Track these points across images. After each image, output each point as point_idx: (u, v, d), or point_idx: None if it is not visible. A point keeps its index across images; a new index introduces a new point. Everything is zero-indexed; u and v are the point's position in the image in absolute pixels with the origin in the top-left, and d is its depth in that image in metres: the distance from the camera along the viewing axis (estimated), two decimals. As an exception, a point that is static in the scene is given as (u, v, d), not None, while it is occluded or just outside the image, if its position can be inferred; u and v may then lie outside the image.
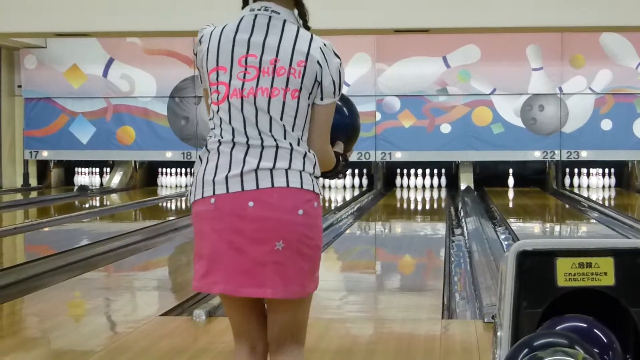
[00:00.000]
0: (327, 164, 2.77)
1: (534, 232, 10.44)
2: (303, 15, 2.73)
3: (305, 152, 2.65)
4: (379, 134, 15.67)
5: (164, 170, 16.68)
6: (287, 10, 2.68)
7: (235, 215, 2.60)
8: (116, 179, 16.48)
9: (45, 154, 16.46)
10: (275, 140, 2.62)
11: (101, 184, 16.65)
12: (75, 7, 9.30)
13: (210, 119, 2.71)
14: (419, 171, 16.06)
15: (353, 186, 15.97)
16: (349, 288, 6.78)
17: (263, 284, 2.61)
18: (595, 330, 2.12)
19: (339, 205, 13.08)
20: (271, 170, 2.61)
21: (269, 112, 2.62)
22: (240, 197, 2.60)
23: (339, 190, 15.53)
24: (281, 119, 2.62)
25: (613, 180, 15.89)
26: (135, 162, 16.59)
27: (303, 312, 2.73)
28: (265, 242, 2.59)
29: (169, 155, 16.21)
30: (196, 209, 2.67)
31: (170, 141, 16.17)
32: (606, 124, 15.57)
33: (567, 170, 15.95)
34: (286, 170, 2.61)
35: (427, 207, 14.07)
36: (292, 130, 2.63)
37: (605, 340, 2.10)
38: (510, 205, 13.89)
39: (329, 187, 15.78)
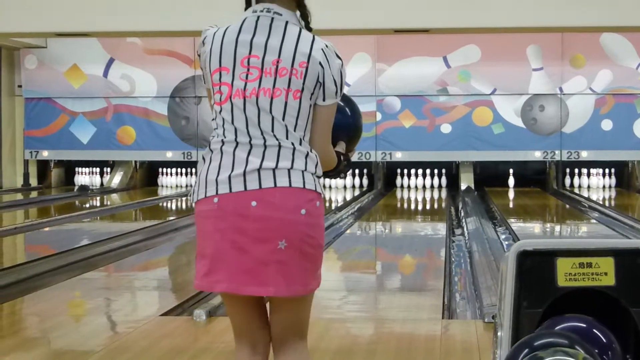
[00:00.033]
0: (328, 164, 2.79)
1: (534, 232, 10.44)
2: (305, 16, 2.75)
3: (307, 152, 2.67)
4: (379, 134, 15.67)
5: (165, 170, 16.68)
6: (289, 12, 2.70)
7: (238, 215, 2.61)
8: (116, 179, 16.48)
9: (45, 154, 16.47)
10: (277, 140, 2.64)
11: (101, 184, 16.66)
12: (76, 7, 9.31)
13: (213, 119, 2.73)
14: (420, 171, 16.06)
15: (353, 186, 15.97)
16: (349, 288, 6.78)
17: (266, 282, 2.62)
18: (595, 330, 2.12)
19: (339, 205, 13.08)
20: (274, 170, 2.62)
21: (271, 112, 2.64)
22: (243, 197, 2.62)
23: (340, 190, 15.53)
24: (283, 119, 2.64)
25: (613, 180, 15.89)
26: (135, 162, 16.60)
27: (305, 309, 2.76)
28: (268, 242, 2.61)
29: (169, 155, 16.21)
30: (199, 208, 2.70)
31: (170, 141, 16.17)
32: (606, 124, 15.57)
33: (568, 170, 15.95)
34: (289, 170, 2.63)
35: (428, 207, 14.07)
36: (294, 131, 2.65)
37: (604, 340, 2.10)
38: (511, 205, 13.89)
39: (330, 187, 15.78)
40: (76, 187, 16.19)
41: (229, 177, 2.63)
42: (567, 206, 13.49)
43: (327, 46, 2.69)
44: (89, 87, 16.29)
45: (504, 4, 8.93)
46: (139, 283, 7.13)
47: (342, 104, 2.88)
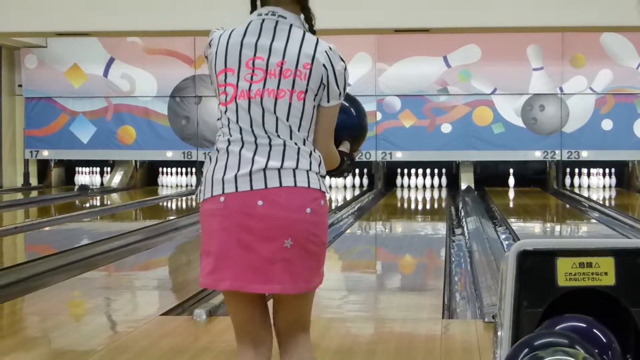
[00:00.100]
0: (331, 163, 2.84)
1: (534, 232, 10.44)
2: (309, 19, 2.79)
3: (311, 152, 2.72)
4: (379, 133, 15.67)
5: (165, 169, 16.67)
6: (293, 15, 2.75)
7: (244, 214, 2.66)
8: (117, 179, 16.48)
9: (45, 154, 16.46)
10: (282, 140, 2.69)
11: (102, 184, 16.65)
12: (76, 6, 9.31)
13: (218, 119, 2.77)
14: (420, 171, 16.05)
15: (354, 186, 15.97)
16: (349, 287, 6.78)
17: (271, 280, 2.67)
18: (595, 330, 2.12)
19: (339, 204, 13.08)
20: (279, 169, 2.67)
21: (275, 112, 2.69)
22: (250, 196, 2.66)
23: (340, 190, 15.53)
24: (287, 120, 2.69)
25: (613, 180, 15.88)
26: (135, 161, 16.60)
27: (308, 304, 2.82)
28: (274, 240, 2.65)
29: (169, 154, 16.21)
30: (205, 207, 2.73)
31: (170, 141, 16.17)
32: (607, 124, 15.57)
33: (568, 170, 15.94)
34: (293, 170, 2.68)
35: (428, 206, 14.07)
36: (298, 131, 2.70)
37: (605, 340, 2.10)
38: (511, 205, 13.89)
39: (330, 186, 15.78)
40: (76, 187, 16.18)
41: (235, 176, 2.67)
42: (567, 206, 13.49)
43: (330, 49, 2.73)
44: (89, 87, 16.29)
45: (504, 4, 8.93)
46: (139, 283, 7.13)
47: (347, 104, 2.93)
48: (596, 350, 2.03)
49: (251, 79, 2.70)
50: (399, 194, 15.53)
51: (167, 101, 16.22)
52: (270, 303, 2.89)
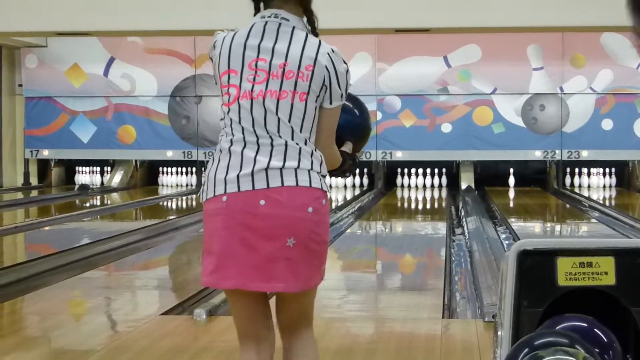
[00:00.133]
0: (333, 163, 2.88)
1: (534, 232, 10.44)
2: (312, 22, 2.82)
3: (312, 152, 2.75)
4: (379, 133, 15.66)
5: (165, 169, 16.67)
6: (296, 18, 2.78)
7: (247, 213, 2.69)
8: (117, 178, 16.48)
9: (45, 153, 16.47)
10: (283, 140, 2.72)
11: (102, 183, 16.65)
12: (76, 6, 9.31)
13: (221, 120, 2.80)
14: (420, 170, 16.05)
15: (354, 185, 15.97)
16: (349, 287, 6.78)
17: (274, 278, 2.70)
18: (595, 329, 2.12)
19: (339, 204, 13.08)
20: (281, 169, 2.70)
21: (277, 113, 2.72)
22: (252, 196, 2.69)
23: (340, 190, 15.53)
24: (289, 121, 2.72)
25: (614, 180, 15.88)
26: (135, 161, 16.60)
27: (310, 300, 2.87)
28: (276, 239, 2.69)
29: (169, 154, 16.21)
30: (208, 206, 2.76)
31: (171, 140, 16.17)
32: (607, 124, 15.57)
33: (568, 169, 15.94)
34: (295, 170, 2.71)
35: (428, 206, 14.08)
36: (300, 132, 2.73)
37: (605, 339, 2.10)
38: (511, 204, 13.89)
39: (330, 186, 15.73)
40: (76, 186, 16.18)
41: (238, 176, 2.70)
42: (568, 206, 13.49)
43: (333, 51, 2.77)
44: (90, 86, 16.29)
45: (504, 4, 8.93)
46: (139, 282, 7.14)
47: (350, 104, 2.97)
48: (597, 350, 2.03)
49: (254, 80, 2.73)
50: (399, 193, 15.53)
51: (168, 101, 16.22)
52: (272, 300, 2.90)
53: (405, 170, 16.08)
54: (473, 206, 12.14)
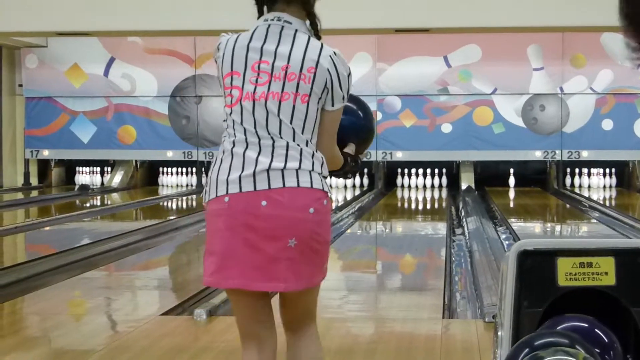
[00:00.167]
0: (334, 164, 2.92)
1: (534, 232, 10.44)
2: (314, 25, 2.85)
3: (313, 153, 2.78)
4: (379, 133, 15.64)
5: (165, 169, 16.67)
6: (299, 21, 2.81)
7: (248, 214, 2.71)
8: (117, 178, 16.48)
9: (46, 153, 16.47)
10: (285, 141, 2.74)
11: (102, 183, 16.65)
12: (76, 6, 9.31)
13: (224, 121, 2.83)
14: (420, 171, 16.05)
15: (354, 186, 15.97)
16: (349, 287, 6.78)
17: (276, 278, 2.73)
18: (596, 330, 2.12)
19: (339, 204, 13.08)
20: (282, 170, 2.72)
21: (278, 115, 2.75)
22: (253, 197, 2.71)
23: (340, 190, 15.53)
24: (291, 123, 2.75)
25: (614, 180, 15.88)
26: (136, 161, 16.60)
27: (313, 298, 2.91)
28: (278, 239, 2.71)
29: (169, 154, 16.21)
30: (210, 207, 2.79)
31: (171, 140, 16.17)
32: (607, 124, 15.56)
33: (568, 170, 15.94)
34: (296, 171, 2.73)
35: (428, 206, 14.07)
36: (302, 133, 2.76)
37: (606, 340, 2.10)
38: (511, 205, 13.89)
39: (330, 186, 15.71)
40: (77, 187, 16.18)
41: (239, 177, 2.73)
42: (568, 206, 13.49)
43: (335, 54, 2.80)
44: (90, 87, 16.29)
45: (504, 4, 8.93)
46: (139, 282, 7.14)
47: (354, 106, 3.02)
48: (597, 350, 2.03)
49: (256, 81, 2.76)
50: (399, 193, 15.53)
51: (168, 101, 16.22)
52: (274, 300, 2.92)
53: (406, 171, 16.08)
54: (473, 206, 12.14)
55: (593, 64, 15.43)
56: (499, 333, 2.26)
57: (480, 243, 8.40)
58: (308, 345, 2.91)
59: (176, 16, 9.20)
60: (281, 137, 2.74)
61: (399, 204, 14.48)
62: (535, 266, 2.22)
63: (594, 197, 14.30)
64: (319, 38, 2.84)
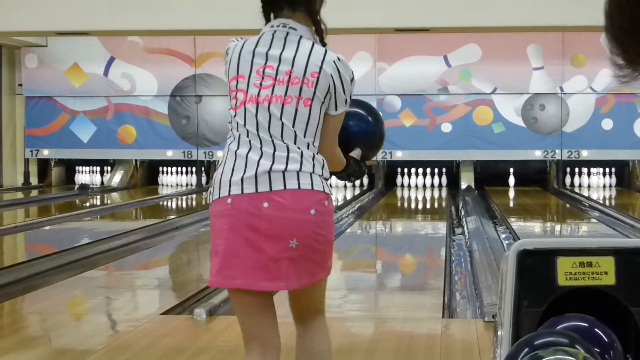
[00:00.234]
0: (335, 166, 2.99)
1: (534, 232, 10.45)
2: (320, 32, 2.93)
3: (314, 155, 2.84)
4: (379, 133, 15.63)
5: (165, 169, 16.67)
6: (304, 27, 2.89)
7: (251, 215, 2.76)
8: (117, 178, 16.48)
9: (46, 153, 16.47)
10: (285, 144, 2.80)
11: (102, 183, 16.66)
12: (76, 5, 9.31)
13: (229, 123, 2.90)
14: (420, 170, 16.05)
15: (354, 185, 15.96)
16: (349, 287, 6.78)
17: (278, 277, 2.78)
18: (596, 329, 2.12)
19: (339, 204, 13.08)
20: (283, 172, 2.78)
21: (281, 118, 2.81)
22: (255, 198, 2.76)
23: (340, 190, 15.53)
24: (293, 126, 2.81)
25: (614, 179, 15.88)
26: (136, 160, 16.60)
27: (319, 292, 2.97)
28: (280, 240, 2.76)
29: (169, 154, 16.21)
30: (214, 208, 2.84)
31: (171, 140, 16.17)
32: (607, 124, 15.57)
33: (568, 169, 15.94)
34: (297, 173, 2.79)
35: (428, 206, 14.08)
36: (304, 137, 2.82)
37: (606, 339, 2.10)
38: (511, 204, 13.90)
39: (330, 185, 15.73)
40: (76, 186, 16.18)
41: (242, 178, 2.78)
42: (568, 205, 13.49)
43: (338, 59, 2.87)
44: (90, 86, 16.29)
45: (504, 3, 8.93)
46: (139, 282, 7.14)
47: (363, 112, 3.12)
48: (597, 350, 2.03)
49: (260, 85, 2.83)
50: (399, 193, 15.53)
51: (168, 100, 16.22)
52: (277, 299, 2.94)
53: (406, 170, 16.08)
54: (473, 206, 12.14)
55: (593, 64, 15.43)
56: (499, 332, 2.26)
57: (480, 242, 8.40)
58: (316, 336, 2.98)
59: (176, 16, 9.20)
60: (283, 140, 2.79)
61: (399, 204, 14.48)
62: (535, 266, 2.22)
63: (594, 196, 14.31)
64: (324, 45, 2.90)
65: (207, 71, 15.84)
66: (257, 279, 2.76)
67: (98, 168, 16.86)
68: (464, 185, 15.28)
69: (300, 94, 2.81)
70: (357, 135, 3.06)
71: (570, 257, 2.21)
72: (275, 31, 2.87)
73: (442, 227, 10.35)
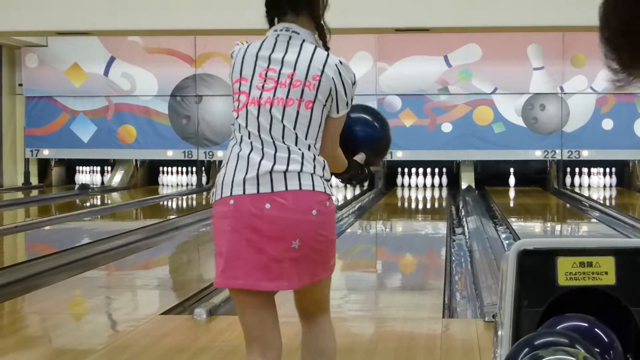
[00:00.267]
0: (336, 167, 3.01)
1: (534, 232, 10.44)
2: (323, 36, 2.97)
3: (315, 156, 2.86)
4: (379, 133, 15.63)
5: (165, 169, 16.67)
6: (307, 32, 2.93)
7: (253, 215, 2.78)
8: (117, 178, 16.49)
9: (46, 153, 16.47)
10: (286, 145, 2.83)
11: (102, 183, 16.66)
12: (77, 5, 9.31)
13: (232, 124, 2.93)
14: (420, 170, 16.05)
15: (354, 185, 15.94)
16: (350, 287, 6.78)
17: (280, 277, 2.80)
18: (596, 329, 2.12)
19: (340, 204, 13.08)
20: (284, 173, 2.80)
21: (282, 120, 2.84)
22: (257, 199, 2.79)
23: (340, 189, 15.52)
24: (294, 128, 2.84)
25: (614, 179, 15.88)
26: (136, 160, 16.60)
27: (322, 290, 2.99)
28: (282, 241, 2.78)
29: (170, 154, 16.22)
30: (217, 209, 2.86)
31: (171, 140, 16.17)
32: (607, 124, 15.56)
33: (568, 169, 15.94)
34: (298, 173, 2.81)
35: (428, 206, 14.08)
36: (305, 139, 2.85)
37: (606, 339, 2.10)
38: (511, 204, 13.89)
39: (330, 185, 15.72)
40: (77, 186, 16.19)
41: (244, 179, 2.80)
42: (568, 205, 13.49)
43: (340, 62, 2.90)
44: (90, 86, 16.29)
45: (504, 3, 8.93)
46: (139, 282, 7.14)
47: (369, 118, 3.16)
48: (597, 350, 2.03)
49: (262, 87, 2.86)
50: (399, 193, 15.53)
51: (168, 100, 16.22)
52: (278, 299, 2.95)
53: (406, 170, 16.08)
54: (473, 206, 12.14)
55: (593, 64, 15.42)
56: (499, 332, 2.26)
57: (481, 242, 8.40)
58: (320, 334, 3.02)
59: (176, 16, 9.20)
60: (284, 142, 2.82)
61: (399, 204, 14.48)
62: (535, 266, 2.22)
63: (594, 196, 14.31)
64: (327, 49, 2.94)
65: (207, 71, 15.84)
66: (259, 279, 2.78)
67: (98, 168, 16.86)
68: (464, 185, 15.28)
69: (301, 97, 2.84)
70: (363, 141, 3.11)
71: (570, 257, 2.21)
72: (278, 35, 2.91)
73: (442, 227, 10.35)
